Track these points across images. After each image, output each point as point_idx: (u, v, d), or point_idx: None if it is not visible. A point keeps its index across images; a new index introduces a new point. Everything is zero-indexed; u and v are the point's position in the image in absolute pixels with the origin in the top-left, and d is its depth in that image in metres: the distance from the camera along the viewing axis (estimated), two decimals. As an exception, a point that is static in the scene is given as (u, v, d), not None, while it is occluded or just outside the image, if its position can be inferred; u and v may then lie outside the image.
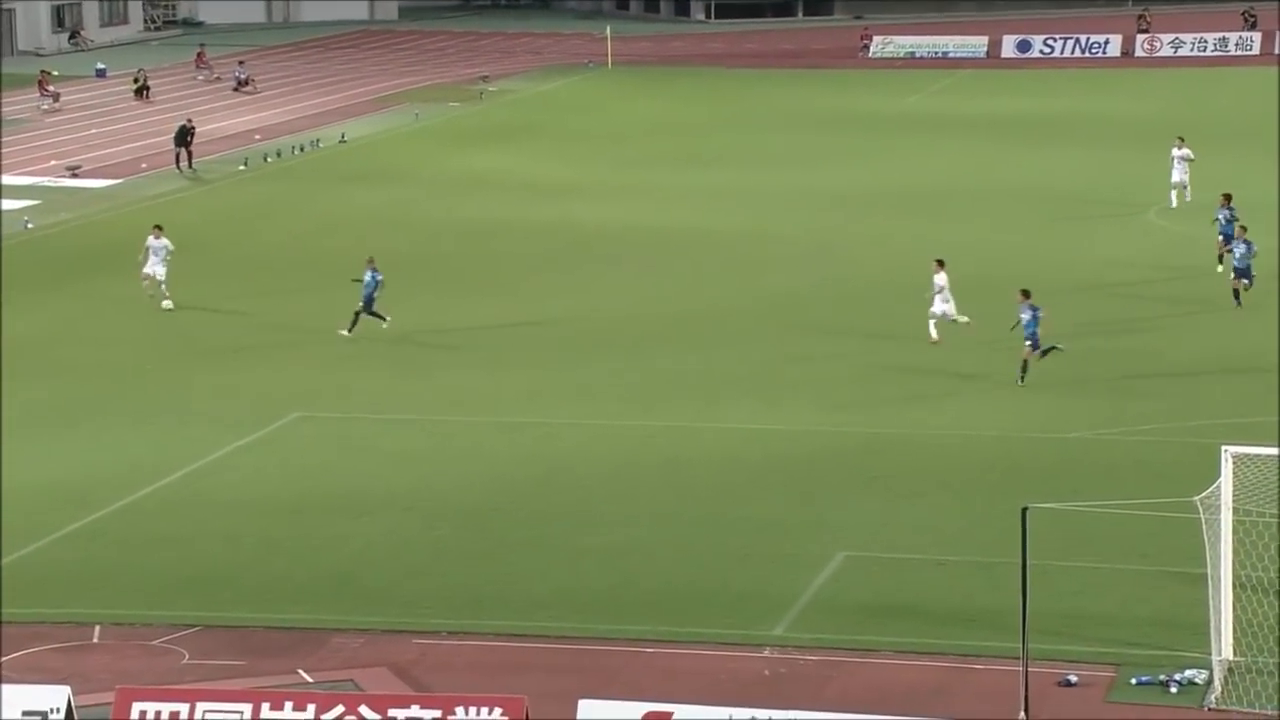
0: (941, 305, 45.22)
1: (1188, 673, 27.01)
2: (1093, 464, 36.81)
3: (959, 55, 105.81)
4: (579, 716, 24.43)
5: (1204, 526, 27.09)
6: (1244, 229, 48.99)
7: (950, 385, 42.62)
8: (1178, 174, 60.46)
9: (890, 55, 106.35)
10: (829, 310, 49.93)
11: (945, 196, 65.43)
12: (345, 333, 46.37)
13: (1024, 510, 26.14)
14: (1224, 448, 27.62)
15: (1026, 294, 42.66)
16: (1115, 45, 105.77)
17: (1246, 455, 27.74)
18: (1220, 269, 50.57)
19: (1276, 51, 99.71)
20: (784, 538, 33.11)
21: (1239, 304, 47.66)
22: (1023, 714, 25.27)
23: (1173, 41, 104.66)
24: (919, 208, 63.57)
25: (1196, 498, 27.58)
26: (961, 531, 33.16)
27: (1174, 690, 26.78)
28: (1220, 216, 51.58)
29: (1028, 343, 42.23)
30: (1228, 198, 52.06)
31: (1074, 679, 27.19)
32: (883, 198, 65.56)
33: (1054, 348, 42.36)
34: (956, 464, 37.09)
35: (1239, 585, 27.52)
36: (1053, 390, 41.90)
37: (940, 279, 45.25)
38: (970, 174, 69.93)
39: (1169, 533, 30.65)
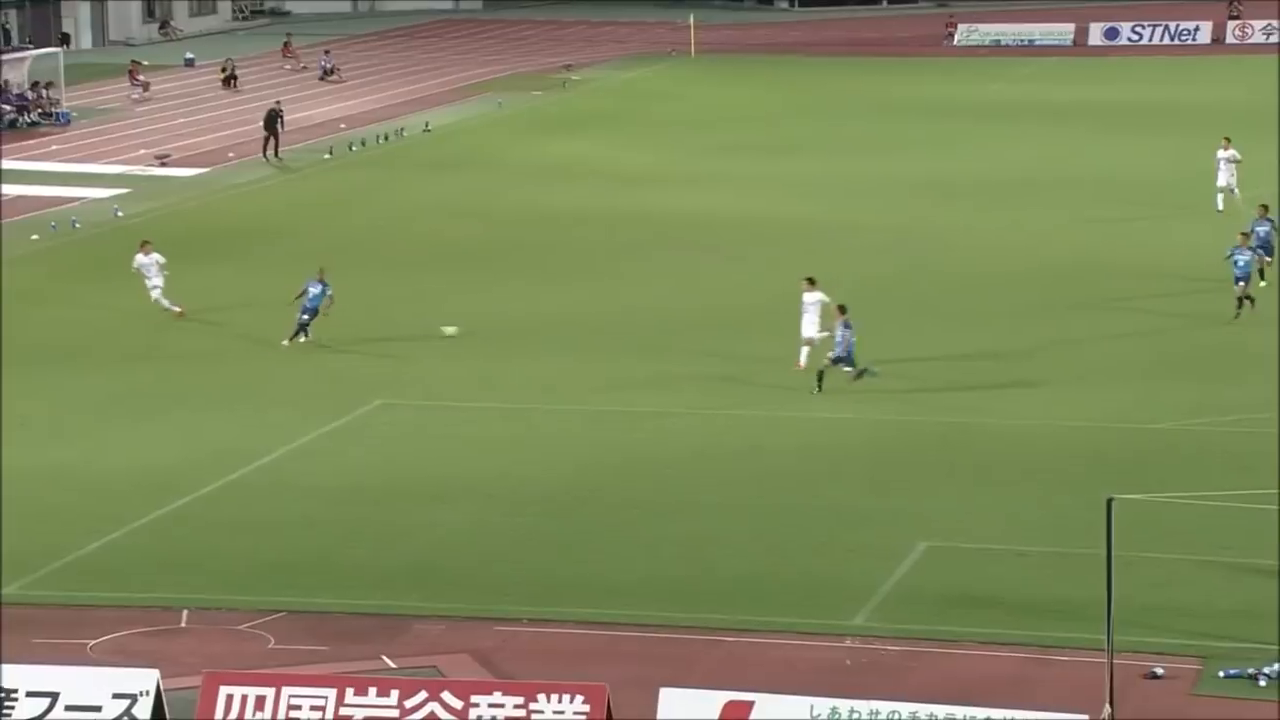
0: (810, 329, 41.80)
1: (1276, 666, 26.77)
2: (1178, 455, 36.56)
3: (1045, 43, 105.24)
4: (660, 705, 24.44)
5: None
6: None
7: (1033, 374, 42.40)
8: (1223, 177, 58.74)
9: (975, 43, 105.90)
10: (912, 299, 49.74)
11: (1028, 185, 65.08)
12: (285, 342, 45.18)
13: (1109, 501, 25.98)
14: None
15: (843, 309, 40.78)
16: (1205, 32, 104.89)
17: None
18: (1264, 284, 48.17)
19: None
20: (864, 527, 33.04)
21: (1241, 311, 45.87)
22: (1108, 707, 25.11)
23: (1265, 28, 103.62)
24: (1002, 196, 63.29)
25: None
26: (1044, 522, 33.00)
27: (1262, 683, 26.55)
28: (1258, 230, 48.75)
29: (840, 362, 40.56)
30: (1265, 208, 50.07)
31: (1160, 671, 27.02)
32: (966, 186, 65.29)
33: (867, 371, 40.55)
34: (1039, 454, 36.91)
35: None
36: (1137, 380, 41.66)
37: (810, 298, 42.06)
38: (1054, 162, 69.53)
39: (1255, 524, 30.42)
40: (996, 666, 27.43)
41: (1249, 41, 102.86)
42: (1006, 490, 34.84)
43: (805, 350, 41.94)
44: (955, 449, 37.35)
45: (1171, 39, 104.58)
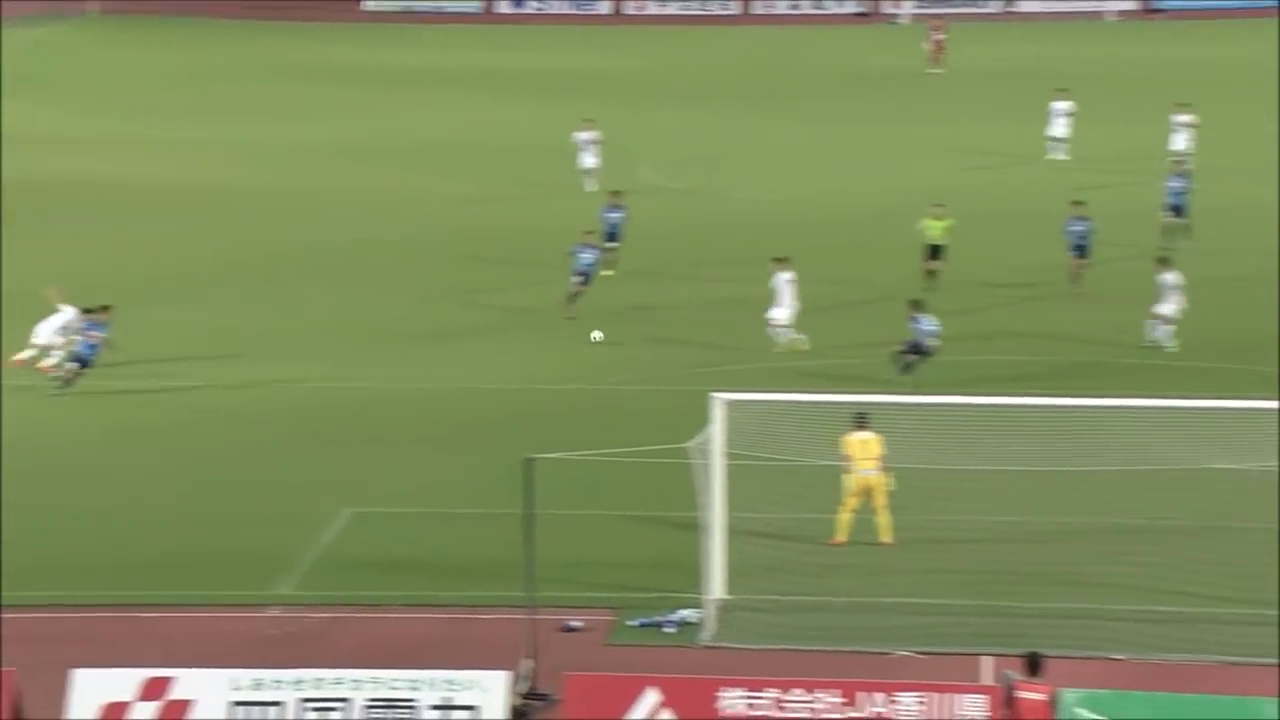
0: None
1: (683, 612, 27.82)
2: (593, 414, 37.48)
3: (455, 10, 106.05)
4: (73, 687, 23.83)
5: (697, 472, 27.88)
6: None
7: (451, 336, 42.85)
8: (588, 158, 57.61)
9: (387, 9, 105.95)
10: (327, 268, 49.60)
11: (432, 151, 65.48)
12: None
13: (528, 461, 26.49)
14: (714, 395, 28.46)
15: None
16: (606, 4, 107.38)
17: (736, 402, 28.64)
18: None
19: (751, 12, 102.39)
20: (288, 496, 32.90)
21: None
22: (528, 661, 25.63)
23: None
24: (409, 163, 63.55)
25: (689, 444, 28.38)
26: (466, 484, 33.44)
27: (670, 630, 27.54)
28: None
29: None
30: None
31: (576, 624, 27.73)
32: (373, 153, 65.31)
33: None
34: (461, 417, 37.36)
35: (730, 528, 28.39)
36: (556, 342, 42.49)
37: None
38: (460, 129, 70.12)
39: (664, 479, 31.45)
40: (421, 628, 27.70)
41: (646, 13, 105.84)
42: (429, 454, 35.17)
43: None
44: (379, 414, 37.51)
45: (575, 7, 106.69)
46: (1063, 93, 62.88)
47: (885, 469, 30.14)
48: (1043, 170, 61.05)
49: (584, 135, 58.75)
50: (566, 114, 63.42)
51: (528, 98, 76.59)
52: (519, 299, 45.93)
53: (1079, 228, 45.53)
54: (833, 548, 29.95)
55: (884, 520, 30.11)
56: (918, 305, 39.42)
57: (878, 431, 30.30)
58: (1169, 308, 40.84)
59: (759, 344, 41.12)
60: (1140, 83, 76.61)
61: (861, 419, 30.40)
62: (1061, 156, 62.16)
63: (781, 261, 41.75)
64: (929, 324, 38.90)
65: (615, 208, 48.08)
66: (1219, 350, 40.87)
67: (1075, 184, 55.07)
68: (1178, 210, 49.70)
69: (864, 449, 30.19)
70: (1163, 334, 40.90)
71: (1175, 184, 50.06)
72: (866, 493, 30.16)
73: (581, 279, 43.82)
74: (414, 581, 29.31)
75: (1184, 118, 59.56)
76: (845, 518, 30.19)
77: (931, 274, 45.60)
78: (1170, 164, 52.35)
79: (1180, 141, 58.85)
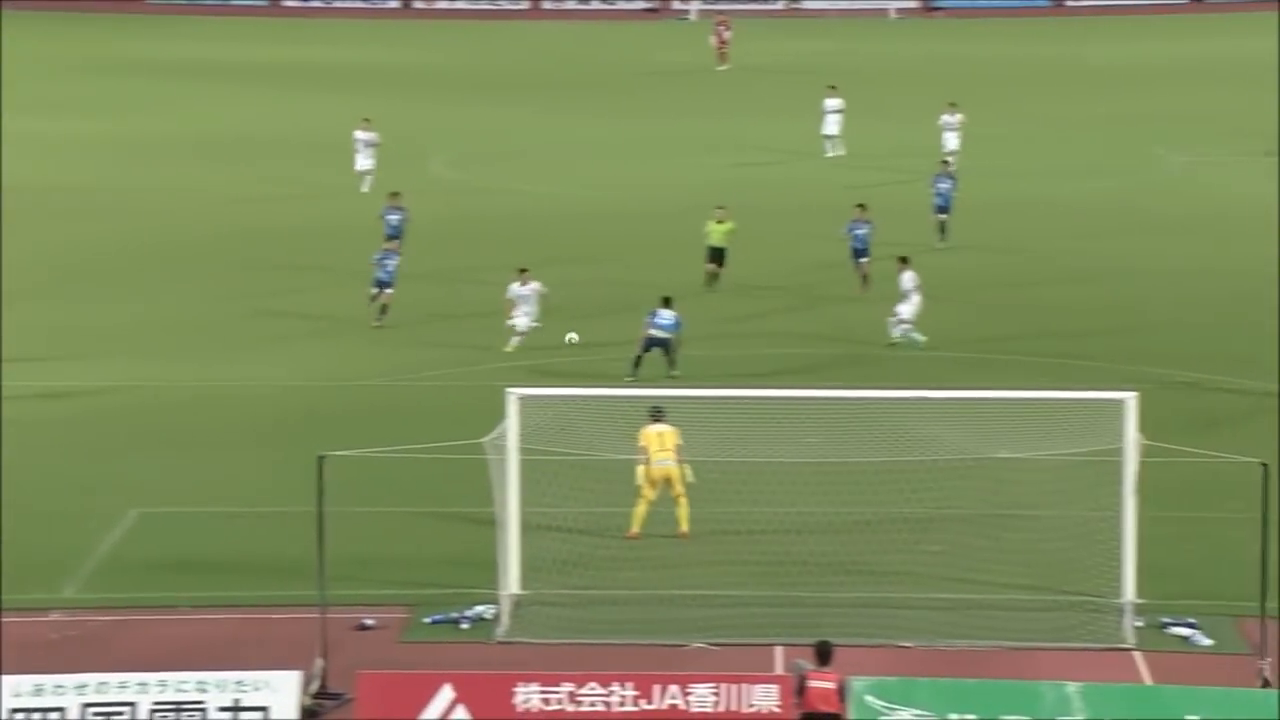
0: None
1: (478, 609, 27.79)
2: (389, 411, 37.28)
3: (241, 3, 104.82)
4: None
5: (492, 467, 27.85)
6: None
7: (245, 339, 42.43)
8: (362, 160, 56.70)
9: (172, 1, 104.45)
10: (114, 267, 48.90)
11: (213, 147, 64.80)
12: None
13: (320, 459, 26.29)
14: (509, 391, 28.45)
15: None
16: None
17: (530, 397, 28.65)
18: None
19: (541, 7, 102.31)
20: (74, 497, 32.36)
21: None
22: (319, 660, 25.45)
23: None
24: (189, 158, 62.88)
25: (485, 440, 28.35)
26: (260, 482, 33.12)
27: (465, 626, 27.51)
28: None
29: None
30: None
31: (370, 622, 27.59)
32: (154, 148, 64.45)
33: None
34: (255, 415, 37.03)
35: (525, 523, 28.39)
36: (351, 338, 42.22)
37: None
38: (241, 123, 69.42)
39: (461, 476, 31.38)
40: (211, 629, 27.39)
41: (435, 7, 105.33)
42: (222, 454, 34.78)
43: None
44: (167, 415, 37.04)
45: (364, 1, 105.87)
46: (832, 90, 63.45)
47: (682, 461, 30.32)
48: (822, 167, 61.70)
49: (362, 135, 57.81)
50: (357, 108, 62.97)
51: (315, 92, 76.00)
52: (308, 301, 45.57)
53: (862, 231, 45.60)
54: (628, 541, 30.07)
55: (683, 510, 30.29)
56: (667, 302, 39.21)
57: (673, 425, 30.48)
58: (907, 308, 41.29)
59: (553, 341, 41.11)
60: (917, 80, 77.78)
61: (658, 412, 30.57)
62: (839, 153, 62.80)
63: (524, 273, 41.32)
64: (666, 318, 38.86)
65: (395, 209, 47.46)
66: (999, 341, 41.64)
67: (852, 182, 55.91)
68: (943, 210, 50.28)
69: (660, 441, 30.35)
70: (900, 333, 41.12)
71: (943, 185, 50.61)
72: (665, 483, 30.32)
73: (380, 288, 43.06)
74: (204, 582, 28.98)
75: (953, 117, 60.28)
76: (641, 510, 30.32)
77: (714, 277, 45.78)
78: (939, 164, 52.88)
79: (950, 141, 59.56)
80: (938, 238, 49.87)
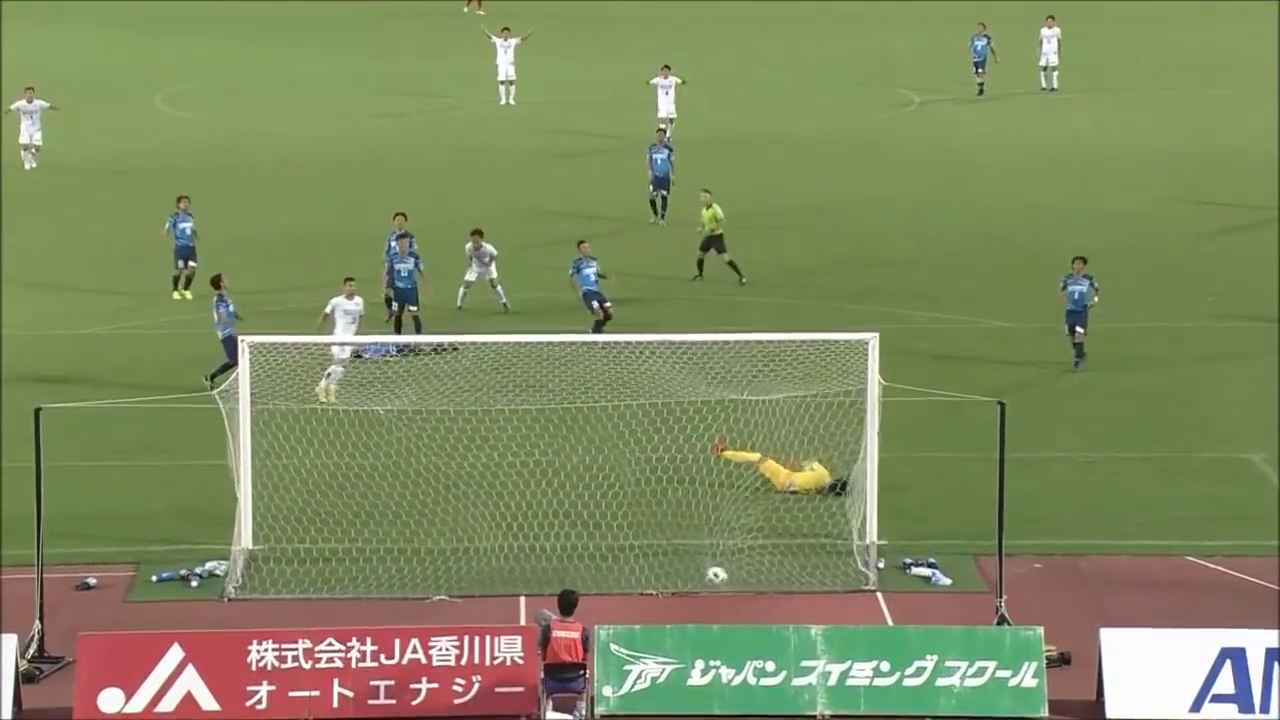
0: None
1: (209, 565, 26.89)
2: (112, 360, 36.07)
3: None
4: None
5: (226, 418, 26.91)
6: None
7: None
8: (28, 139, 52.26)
9: None
10: None
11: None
12: None
13: (37, 411, 25.13)
14: (241, 338, 27.55)
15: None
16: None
17: (264, 345, 27.75)
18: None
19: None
20: None
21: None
22: (38, 623, 24.39)
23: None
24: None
25: (215, 392, 27.44)
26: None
27: (195, 584, 26.59)
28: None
29: None
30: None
31: (93, 581, 26.54)
32: None
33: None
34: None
35: (259, 477, 27.51)
36: (67, 289, 40.86)
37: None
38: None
39: (184, 425, 30.40)
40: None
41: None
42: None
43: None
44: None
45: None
46: (507, 31, 61.07)
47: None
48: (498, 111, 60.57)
49: (24, 104, 52.53)
50: (80, 44, 61.15)
51: (36, 27, 73.65)
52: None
53: (589, 270, 37.84)
54: (367, 496, 29.27)
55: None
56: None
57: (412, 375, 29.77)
58: (472, 275, 39.01)
59: (270, 284, 39.93)
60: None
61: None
62: (511, 101, 60.52)
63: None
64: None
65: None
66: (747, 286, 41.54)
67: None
68: (662, 184, 46.33)
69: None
70: (460, 296, 38.80)
71: (659, 155, 46.62)
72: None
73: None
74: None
75: (667, 80, 55.83)
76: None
77: (702, 265, 41.57)
78: (655, 133, 49.25)
79: (665, 106, 55.30)
80: (652, 214, 46.52)
